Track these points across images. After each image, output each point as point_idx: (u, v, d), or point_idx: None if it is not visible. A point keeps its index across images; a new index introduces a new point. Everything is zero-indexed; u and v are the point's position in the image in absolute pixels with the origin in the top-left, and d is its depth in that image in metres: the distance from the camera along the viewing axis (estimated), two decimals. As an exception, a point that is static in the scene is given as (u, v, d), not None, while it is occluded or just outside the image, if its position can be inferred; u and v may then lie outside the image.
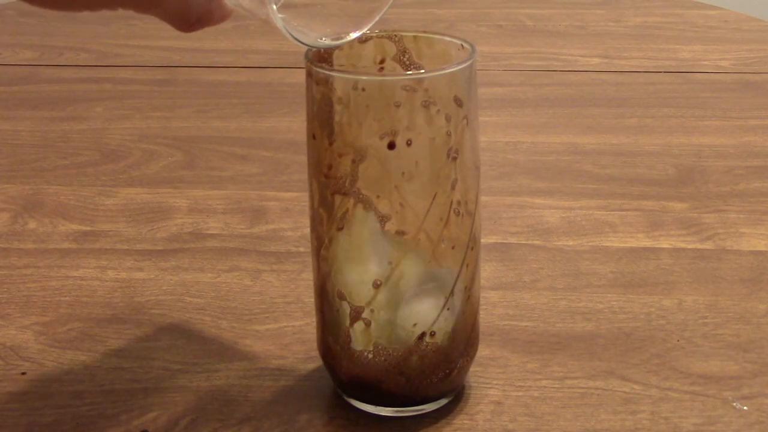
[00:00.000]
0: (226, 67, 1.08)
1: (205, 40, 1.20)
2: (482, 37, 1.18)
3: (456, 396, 0.49)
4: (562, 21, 1.26)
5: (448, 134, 0.43)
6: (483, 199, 0.51)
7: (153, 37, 1.22)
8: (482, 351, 0.52)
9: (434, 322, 0.45)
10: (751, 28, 1.21)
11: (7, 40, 1.21)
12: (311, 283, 0.48)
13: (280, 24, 0.39)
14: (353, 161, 0.43)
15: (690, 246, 0.65)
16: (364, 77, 0.44)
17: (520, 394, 0.50)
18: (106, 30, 1.26)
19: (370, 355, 0.46)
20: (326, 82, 0.43)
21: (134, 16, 1.33)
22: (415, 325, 0.45)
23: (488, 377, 0.51)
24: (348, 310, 0.45)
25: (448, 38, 0.46)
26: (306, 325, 0.55)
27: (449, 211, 0.44)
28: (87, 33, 1.25)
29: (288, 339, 0.55)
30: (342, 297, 0.45)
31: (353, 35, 0.43)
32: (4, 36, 1.24)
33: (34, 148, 0.84)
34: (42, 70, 1.09)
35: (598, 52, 1.11)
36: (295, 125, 0.88)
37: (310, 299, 0.49)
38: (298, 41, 0.40)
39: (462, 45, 0.45)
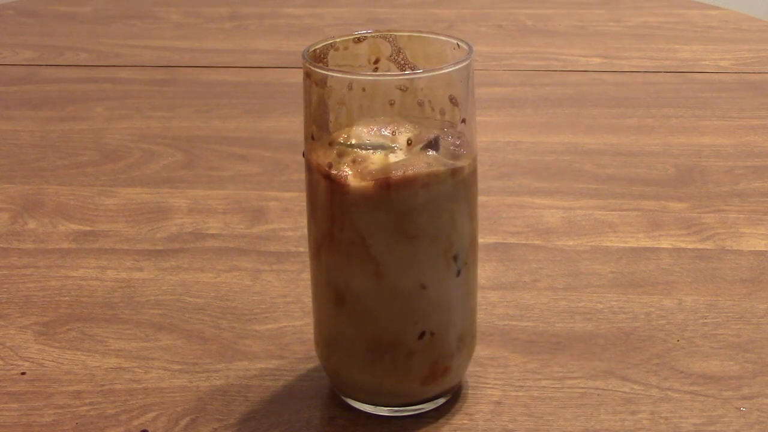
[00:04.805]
0: (226, 67, 1.08)
1: (205, 40, 1.20)
2: (482, 37, 1.18)
3: (455, 396, 0.49)
4: (562, 21, 1.26)
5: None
6: (483, 198, 0.51)
7: (153, 37, 1.22)
8: (482, 351, 0.52)
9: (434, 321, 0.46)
10: (751, 28, 1.21)
11: (7, 40, 1.21)
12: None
13: None
14: (353, 161, 0.43)
15: (690, 246, 0.65)
16: (360, 77, 0.44)
17: (519, 394, 0.50)
18: (106, 30, 1.26)
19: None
20: (323, 82, 0.43)
21: (134, 15, 1.33)
22: (415, 323, 0.45)
23: (488, 377, 0.51)
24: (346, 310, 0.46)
25: (443, 38, 0.46)
26: (306, 325, 0.55)
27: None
28: (87, 33, 1.25)
29: (288, 339, 0.55)
30: (341, 296, 0.45)
31: None
32: (4, 36, 1.24)
33: (34, 148, 0.84)
34: (42, 70, 1.09)
35: (598, 52, 1.11)
36: (294, 125, 0.88)
37: (310, 299, 0.49)
38: None
39: (458, 44, 0.45)
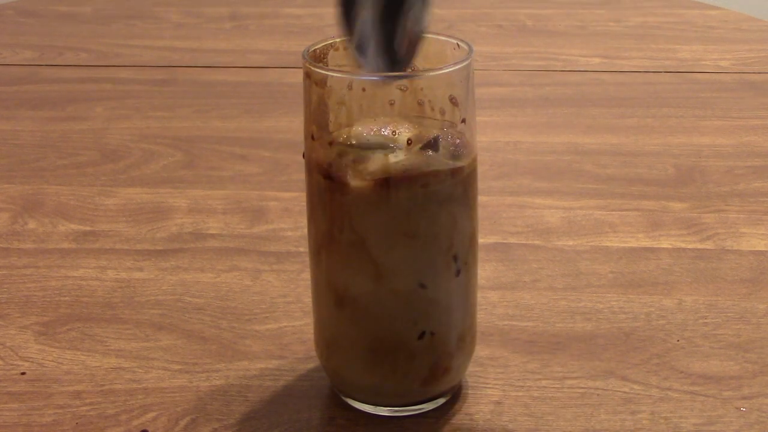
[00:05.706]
0: (226, 67, 1.08)
1: (205, 40, 1.20)
2: (482, 37, 1.18)
3: (455, 396, 0.49)
4: (562, 21, 1.26)
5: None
6: (483, 198, 0.51)
7: (153, 37, 1.22)
8: (482, 351, 0.52)
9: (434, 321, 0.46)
10: (751, 28, 1.21)
11: (7, 40, 1.21)
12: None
13: None
14: (353, 161, 0.43)
15: (690, 246, 0.65)
16: (360, 77, 0.44)
17: (519, 394, 0.50)
18: (106, 30, 1.26)
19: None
20: (323, 82, 0.43)
21: (134, 15, 1.33)
22: (415, 323, 0.45)
23: (488, 377, 0.51)
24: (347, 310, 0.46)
25: (443, 38, 0.46)
26: (306, 325, 0.55)
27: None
28: (87, 33, 1.25)
29: (288, 339, 0.55)
30: (340, 296, 0.45)
31: None
32: (4, 36, 1.24)
33: (34, 148, 0.84)
34: (42, 70, 1.09)
35: (598, 52, 1.11)
36: (294, 125, 0.88)
37: (310, 299, 0.49)
38: None
39: (458, 44, 0.45)
